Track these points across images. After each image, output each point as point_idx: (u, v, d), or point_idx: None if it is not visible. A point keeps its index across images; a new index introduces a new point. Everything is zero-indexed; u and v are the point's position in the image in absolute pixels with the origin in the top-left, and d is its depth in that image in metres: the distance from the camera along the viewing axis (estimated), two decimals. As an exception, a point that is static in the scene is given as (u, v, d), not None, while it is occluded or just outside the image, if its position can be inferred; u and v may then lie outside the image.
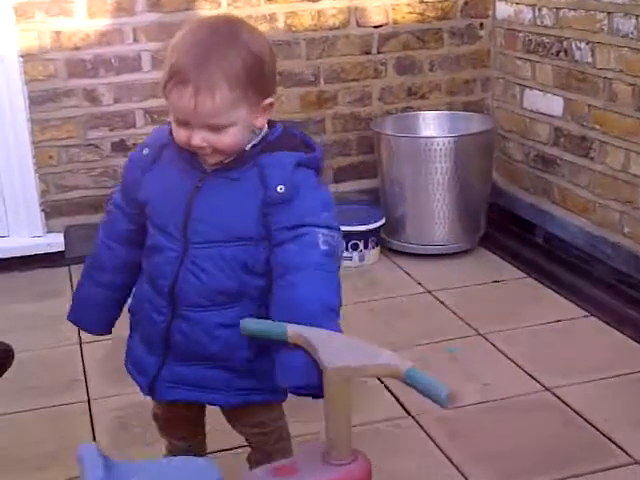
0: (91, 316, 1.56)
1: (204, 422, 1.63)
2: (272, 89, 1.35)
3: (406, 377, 1.12)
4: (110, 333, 1.57)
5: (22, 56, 2.77)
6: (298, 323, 1.22)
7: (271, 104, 1.34)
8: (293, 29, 2.96)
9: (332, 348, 1.17)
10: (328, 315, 1.28)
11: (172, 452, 1.65)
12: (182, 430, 1.62)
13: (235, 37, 1.28)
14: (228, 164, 1.35)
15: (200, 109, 1.25)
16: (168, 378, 1.44)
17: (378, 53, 3.06)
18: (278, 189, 1.31)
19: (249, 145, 1.34)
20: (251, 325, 1.24)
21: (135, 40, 2.83)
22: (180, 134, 1.30)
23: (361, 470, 1.20)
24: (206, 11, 2.81)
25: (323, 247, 1.31)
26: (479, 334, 2.35)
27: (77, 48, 2.80)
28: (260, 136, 1.35)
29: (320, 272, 1.30)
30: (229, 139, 1.29)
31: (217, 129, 1.28)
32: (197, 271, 1.36)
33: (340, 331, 1.28)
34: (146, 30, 2.83)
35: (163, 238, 1.39)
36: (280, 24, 2.93)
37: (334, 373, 1.15)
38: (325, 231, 1.32)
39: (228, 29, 1.30)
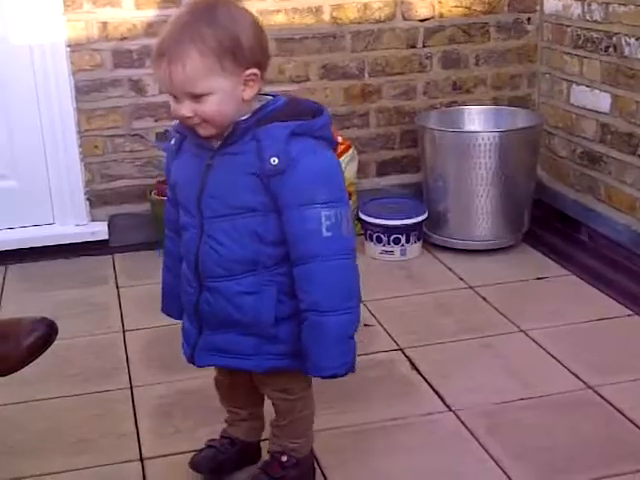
0: (176, 305, 1.63)
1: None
2: (257, 61, 1.39)
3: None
4: None
5: (69, 46, 2.80)
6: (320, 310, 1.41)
7: (255, 74, 1.39)
8: (339, 22, 2.95)
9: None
10: (345, 301, 1.42)
11: (233, 421, 1.73)
12: (242, 397, 1.70)
13: (210, 13, 1.36)
14: (229, 140, 1.41)
15: (174, 77, 1.34)
16: (203, 346, 1.54)
17: (423, 47, 3.04)
18: (272, 161, 1.38)
19: (241, 118, 1.40)
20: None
21: (181, 31, 2.85)
22: (173, 108, 1.39)
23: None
24: (254, 2, 2.82)
25: (327, 234, 1.40)
26: (521, 330, 2.33)
27: (124, 38, 2.83)
28: (253, 109, 1.42)
29: (327, 264, 1.40)
30: (210, 107, 1.36)
31: (197, 98, 1.35)
32: (213, 243, 1.45)
33: (358, 315, 1.45)
34: (192, 21, 2.84)
35: (186, 216, 1.50)
36: (326, 16, 2.93)
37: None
38: (327, 211, 1.40)
39: (206, 7, 1.38)
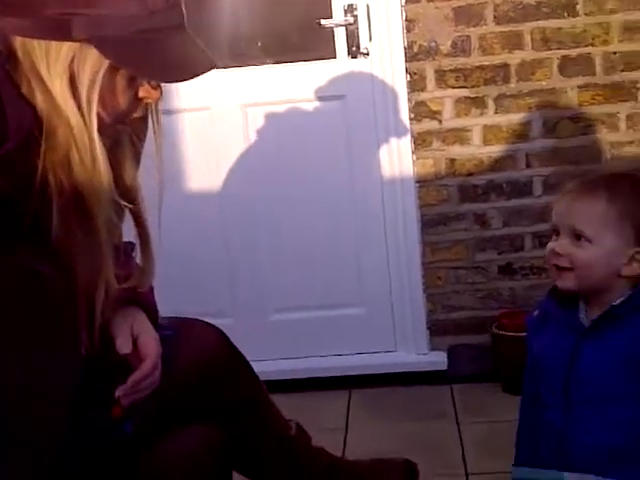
0: None
1: None
2: None
3: None
4: None
5: (418, 182, 2.90)
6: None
7: None
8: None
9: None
10: None
11: None
12: None
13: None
14: (602, 322, 1.34)
15: (572, 208, 1.35)
16: None
17: None
18: None
19: (618, 301, 1.33)
20: (524, 474, 1.41)
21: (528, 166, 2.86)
22: (549, 245, 1.38)
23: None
24: (606, 134, 2.77)
25: None
26: None
27: (470, 174, 2.88)
28: (631, 292, 1.34)
29: None
30: (584, 255, 1.33)
31: (577, 240, 1.33)
32: (581, 432, 1.37)
33: None
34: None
35: (548, 396, 1.43)
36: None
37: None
38: None
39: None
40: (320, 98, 2.90)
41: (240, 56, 2.98)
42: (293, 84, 2.90)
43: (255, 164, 2.94)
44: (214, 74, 2.79)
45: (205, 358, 1.49)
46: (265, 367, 2.88)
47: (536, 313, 1.50)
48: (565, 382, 1.38)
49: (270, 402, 1.67)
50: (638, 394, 1.33)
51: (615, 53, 2.76)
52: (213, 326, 1.59)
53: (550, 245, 1.39)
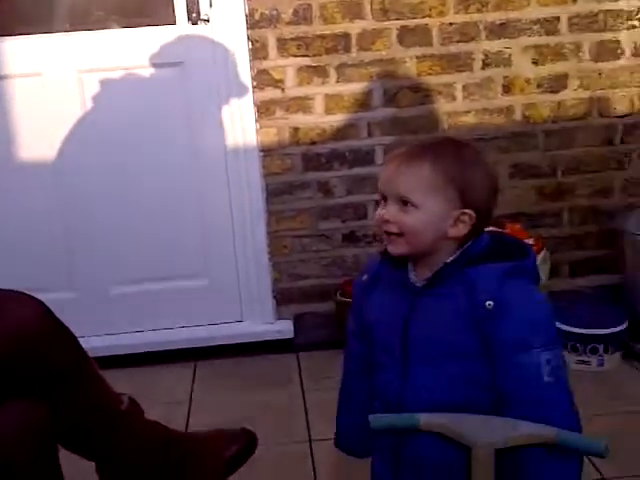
0: (353, 442, 1.57)
1: None
2: (477, 207, 1.36)
3: (559, 440, 1.25)
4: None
5: (262, 150, 2.88)
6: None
7: (469, 217, 1.35)
8: (530, 120, 2.89)
9: (472, 427, 1.30)
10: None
11: None
12: None
13: (460, 149, 1.41)
14: (435, 280, 1.37)
15: (397, 176, 1.36)
16: None
17: (622, 143, 2.90)
18: (487, 305, 1.32)
19: (449, 259, 1.37)
20: (381, 420, 1.36)
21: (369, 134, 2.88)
22: (378, 212, 1.39)
23: None
24: (443, 104, 2.83)
25: (547, 379, 1.31)
26: None
27: (313, 143, 2.88)
28: (460, 250, 1.37)
29: (548, 412, 1.30)
30: (411, 221, 1.35)
31: (404, 206, 1.35)
32: (419, 388, 1.39)
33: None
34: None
35: (383, 357, 1.44)
36: (517, 116, 2.88)
37: (484, 449, 1.27)
38: (547, 354, 1.31)
39: (457, 142, 1.44)
40: (158, 65, 2.82)
41: (76, 20, 2.85)
42: (131, 50, 2.81)
43: (91, 133, 2.83)
44: (46, 38, 2.75)
45: (22, 330, 1.42)
46: (107, 341, 2.84)
47: (365, 277, 1.49)
48: (402, 342, 1.39)
49: (99, 376, 1.62)
50: (475, 350, 1.34)
51: (451, 24, 2.83)
52: (33, 298, 1.52)
53: (379, 212, 1.40)
